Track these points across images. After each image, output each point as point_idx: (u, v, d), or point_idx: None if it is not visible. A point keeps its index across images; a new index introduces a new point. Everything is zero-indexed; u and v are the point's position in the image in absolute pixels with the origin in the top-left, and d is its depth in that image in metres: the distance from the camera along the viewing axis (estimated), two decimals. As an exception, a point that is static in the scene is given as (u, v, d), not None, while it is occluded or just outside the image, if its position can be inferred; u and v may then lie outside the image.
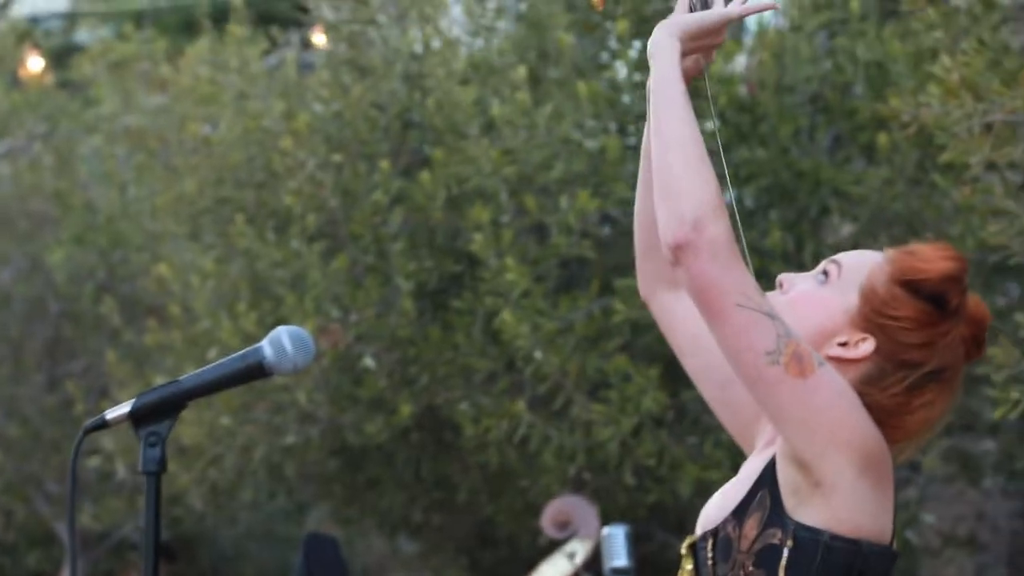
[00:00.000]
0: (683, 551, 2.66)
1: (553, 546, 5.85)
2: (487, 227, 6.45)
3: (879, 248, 2.77)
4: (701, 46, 2.69)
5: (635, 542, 5.43)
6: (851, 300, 2.59)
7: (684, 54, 2.65)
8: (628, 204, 6.33)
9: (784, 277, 2.68)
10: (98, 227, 8.68)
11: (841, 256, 2.66)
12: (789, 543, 2.51)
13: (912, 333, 2.55)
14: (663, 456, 6.42)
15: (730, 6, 2.69)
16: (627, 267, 5.73)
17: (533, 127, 6.52)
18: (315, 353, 2.55)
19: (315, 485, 7.49)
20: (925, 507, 7.48)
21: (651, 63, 2.59)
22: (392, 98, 6.90)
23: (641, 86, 6.67)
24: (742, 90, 6.90)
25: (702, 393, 2.84)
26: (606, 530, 5.04)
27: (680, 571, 2.66)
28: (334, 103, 6.82)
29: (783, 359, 2.45)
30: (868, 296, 2.58)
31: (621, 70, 6.78)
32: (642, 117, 6.50)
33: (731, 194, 6.97)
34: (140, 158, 7.74)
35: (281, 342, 2.52)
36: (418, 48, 7.02)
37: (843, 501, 2.49)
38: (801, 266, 6.43)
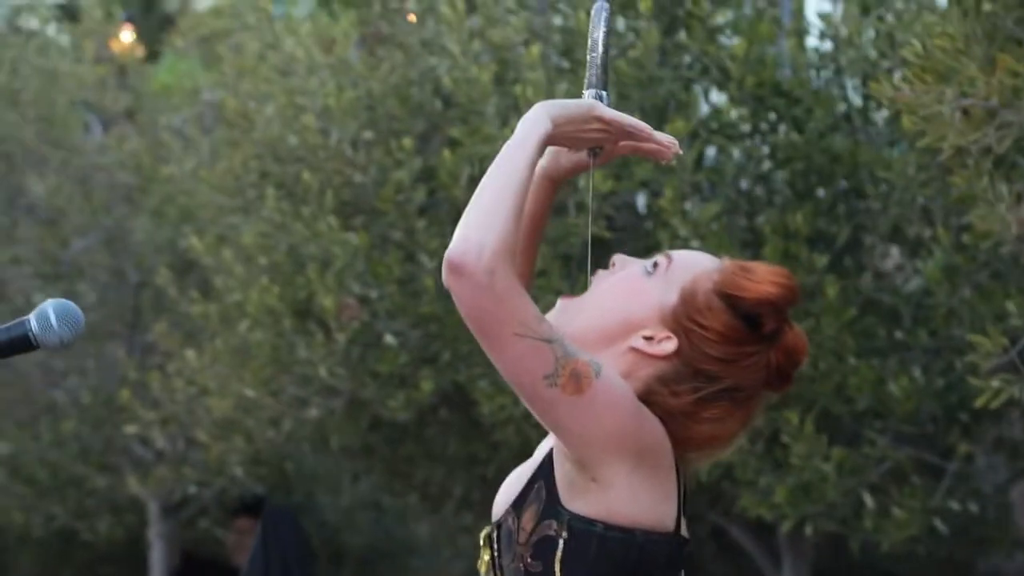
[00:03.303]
0: (481, 541, 2.70)
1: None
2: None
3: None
4: (571, 133, 2.64)
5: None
6: (670, 297, 2.60)
7: (557, 138, 2.62)
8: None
9: (618, 258, 2.71)
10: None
11: (676, 252, 2.67)
12: (564, 534, 2.55)
13: (715, 346, 2.56)
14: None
15: (607, 109, 2.65)
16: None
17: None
18: (82, 327, 2.61)
19: (359, 459, 7.58)
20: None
21: (518, 128, 2.57)
22: None
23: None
24: (780, 74, 6.75)
25: None
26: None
27: (480, 561, 2.71)
28: None
29: (560, 380, 2.49)
30: (686, 298, 2.59)
31: None
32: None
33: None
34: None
35: (47, 315, 2.59)
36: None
37: (618, 495, 2.53)
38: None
